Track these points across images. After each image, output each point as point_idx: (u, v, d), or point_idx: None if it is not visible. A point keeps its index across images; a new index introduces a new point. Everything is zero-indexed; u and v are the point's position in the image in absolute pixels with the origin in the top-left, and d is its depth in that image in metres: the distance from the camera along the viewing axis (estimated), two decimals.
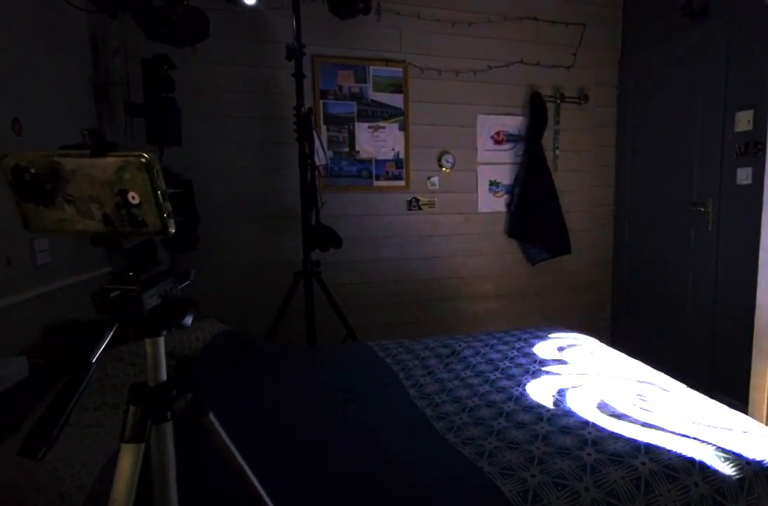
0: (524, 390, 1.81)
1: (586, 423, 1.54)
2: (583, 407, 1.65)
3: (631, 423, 1.52)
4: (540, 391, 1.79)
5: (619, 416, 1.57)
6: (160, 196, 0.67)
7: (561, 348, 2.26)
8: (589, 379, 1.88)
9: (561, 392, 1.78)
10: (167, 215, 0.68)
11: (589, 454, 1.35)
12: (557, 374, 1.95)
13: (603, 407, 1.65)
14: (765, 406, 2.56)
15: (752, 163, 2.65)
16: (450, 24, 3.24)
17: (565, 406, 1.66)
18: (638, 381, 1.87)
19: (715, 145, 2.87)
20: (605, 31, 3.59)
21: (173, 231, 0.69)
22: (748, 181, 2.68)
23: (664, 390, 1.79)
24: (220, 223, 2.92)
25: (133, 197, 0.66)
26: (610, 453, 1.35)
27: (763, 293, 2.56)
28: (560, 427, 1.51)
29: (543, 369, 2.01)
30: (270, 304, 2.82)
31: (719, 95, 2.83)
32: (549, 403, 1.69)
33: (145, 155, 0.65)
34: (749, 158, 2.66)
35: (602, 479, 1.25)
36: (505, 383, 1.87)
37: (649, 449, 1.36)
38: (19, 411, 1.25)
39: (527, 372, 1.98)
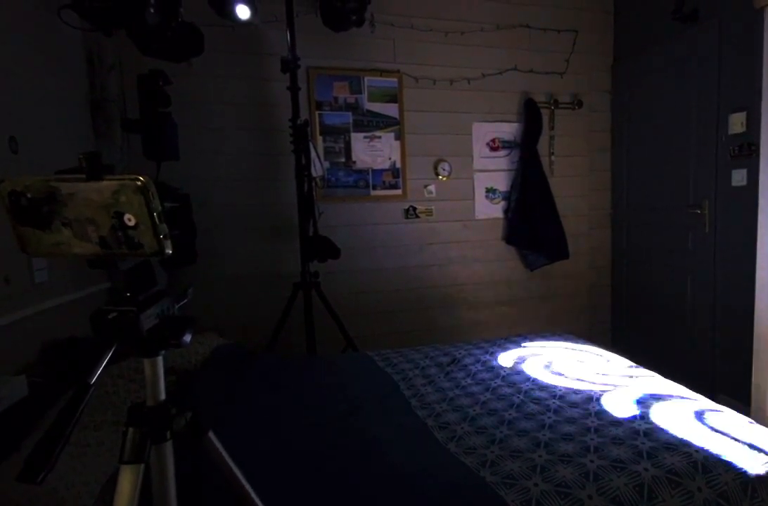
0: (525, 397, 1.80)
1: (588, 429, 1.54)
2: (583, 410, 1.65)
3: (632, 428, 1.52)
4: (541, 396, 1.79)
5: (620, 421, 1.57)
6: (156, 218, 0.67)
7: (561, 354, 2.26)
8: (590, 383, 1.89)
9: (561, 397, 1.78)
10: (163, 236, 0.68)
11: (591, 461, 1.35)
12: (558, 378, 1.95)
13: (603, 412, 1.64)
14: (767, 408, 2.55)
15: (747, 164, 2.66)
16: (443, 33, 3.27)
17: (564, 411, 1.66)
18: (640, 383, 1.87)
19: (709, 148, 2.89)
20: (597, 37, 3.62)
21: (170, 252, 0.69)
22: (743, 183, 2.69)
23: (665, 391, 1.78)
24: (217, 235, 2.92)
25: (130, 219, 0.67)
26: (612, 460, 1.35)
27: (761, 293, 2.56)
28: (562, 434, 1.51)
29: (544, 373, 2.01)
30: (269, 316, 2.82)
31: (712, 98, 2.85)
32: (550, 408, 1.69)
33: (141, 178, 0.65)
34: (744, 160, 2.68)
35: (605, 486, 1.25)
36: (506, 391, 1.87)
37: (652, 454, 1.36)
38: (19, 431, 1.25)
39: (528, 379, 1.98)
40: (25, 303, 1.77)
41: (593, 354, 2.28)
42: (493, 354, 2.28)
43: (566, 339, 2.49)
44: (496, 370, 2.08)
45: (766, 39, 2.49)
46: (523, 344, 2.42)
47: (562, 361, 2.17)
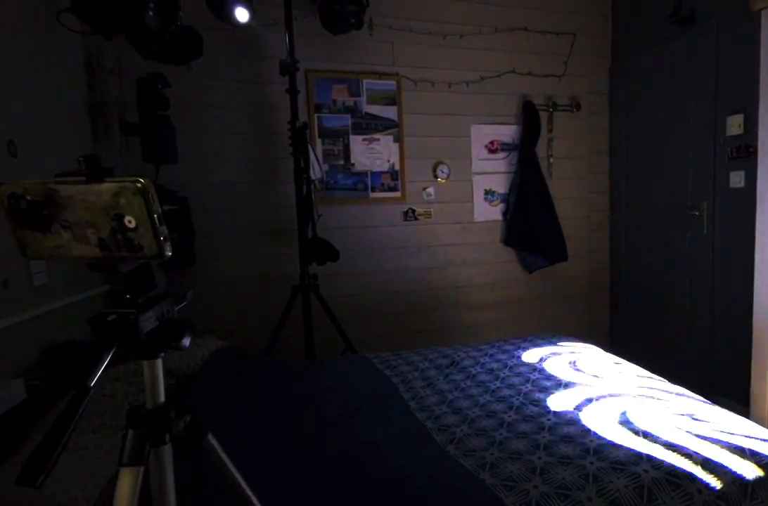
0: (525, 399, 1.80)
1: (588, 431, 1.53)
2: (583, 415, 1.65)
3: (632, 430, 1.52)
4: (541, 398, 1.79)
5: (621, 423, 1.57)
6: (156, 220, 0.67)
7: (560, 356, 2.26)
8: (589, 386, 1.88)
9: (560, 400, 1.78)
10: (163, 238, 0.68)
11: (591, 463, 1.35)
12: (557, 381, 1.95)
13: (603, 414, 1.64)
14: (767, 409, 2.55)
15: (744, 166, 2.67)
16: (441, 36, 3.28)
17: (565, 414, 1.66)
18: (639, 386, 1.87)
19: (707, 150, 2.90)
20: (595, 40, 3.64)
21: (169, 254, 0.69)
22: (741, 184, 2.70)
23: (666, 395, 1.78)
24: (216, 238, 2.92)
25: (130, 221, 0.67)
26: (612, 461, 1.35)
27: (759, 295, 2.57)
28: (562, 436, 1.51)
29: (543, 377, 2.01)
30: (268, 318, 2.82)
31: (710, 100, 2.86)
32: (549, 411, 1.69)
33: (141, 180, 0.65)
34: (741, 162, 2.68)
35: (605, 488, 1.25)
36: (505, 393, 1.87)
37: (651, 456, 1.36)
38: (17, 434, 1.25)
39: (527, 381, 1.98)
40: (24, 307, 1.76)
41: (592, 355, 2.28)
42: (492, 356, 2.28)
43: (566, 341, 2.48)
44: (495, 372, 2.08)
45: (763, 41, 2.50)
46: (522, 345, 2.42)
47: (563, 365, 2.17)
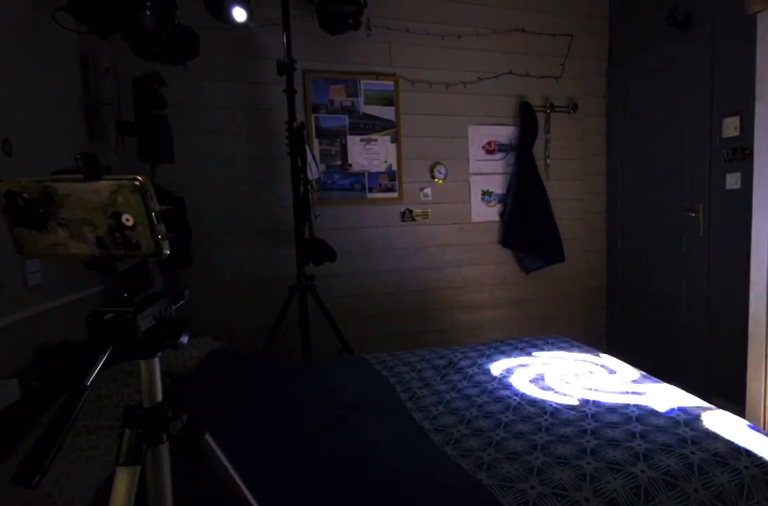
0: (522, 399, 1.80)
1: (585, 431, 1.54)
2: (580, 413, 1.65)
3: (629, 430, 1.52)
4: (538, 399, 1.79)
5: (618, 423, 1.57)
6: (154, 218, 0.67)
7: (558, 357, 2.26)
8: (587, 385, 1.89)
9: (557, 400, 1.78)
10: (161, 237, 0.68)
11: (588, 463, 1.35)
12: (555, 381, 1.95)
13: (600, 414, 1.64)
14: (762, 409, 2.56)
15: (740, 168, 2.68)
16: (439, 37, 3.28)
17: (561, 413, 1.66)
18: (639, 388, 1.87)
19: (703, 151, 2.91)
20: (592, 42, 3.65)
21: (167, 252, 0.69)
22: (737, 186, 2.71)
23: (663, 395, 1.79)
24: (213, 239, 2.91)
25: (127, 219, 0.67)
26: (608, 462, 1.35)
27: (755, 297, 2.58)
28: (558, 437, 1.51)
29: (541, 377, 2.01)
30: (265, 319, 2.81)
31: (706, 102, 2.87)
32: (547, 411, 1.69)
33: (139, 178, 0.65)
34: (737, 163, 2.70)
35: (602, 488, 1.25)
36: (502, 393, 1.87)
37: (648, 456, 1.36)
38: (12, 435, 1.24)
39: (525, 381, 1.98)
40: (19, 307, 1.74)
41: (590, 361, 2.28)
42: (490, 357, 2.28)
43: (563, 342, 2.49)
44: (492, 373, 2.08)
45: (759, 44, 2.51)
46: (519, 346, 2.42)
47: (559, 367, 2.17)
